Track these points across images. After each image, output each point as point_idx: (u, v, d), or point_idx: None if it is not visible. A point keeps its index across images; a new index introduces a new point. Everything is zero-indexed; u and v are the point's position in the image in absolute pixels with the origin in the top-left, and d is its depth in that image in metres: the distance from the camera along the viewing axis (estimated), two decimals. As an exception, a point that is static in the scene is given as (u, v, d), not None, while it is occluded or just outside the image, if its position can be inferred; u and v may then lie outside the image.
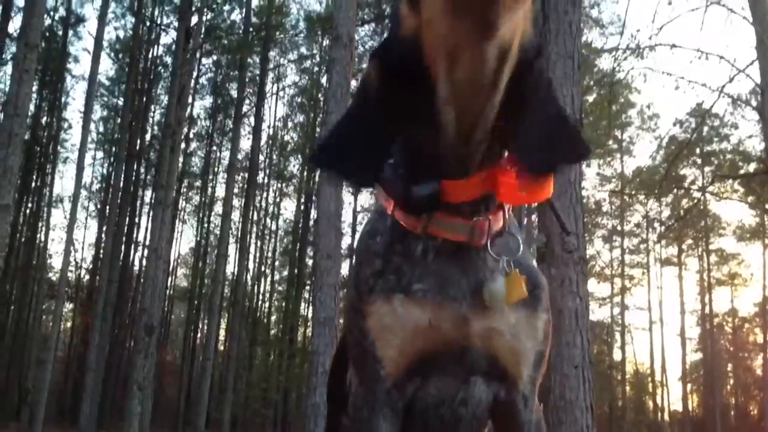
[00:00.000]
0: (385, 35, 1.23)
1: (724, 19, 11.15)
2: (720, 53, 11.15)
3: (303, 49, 27.64)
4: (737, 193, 22.62)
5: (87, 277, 28.54)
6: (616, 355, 36.16)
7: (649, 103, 30.75)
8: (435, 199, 1.19)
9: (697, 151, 26.03)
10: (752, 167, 21.69)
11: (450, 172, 1.18)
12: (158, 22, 24.39)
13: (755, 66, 10.88)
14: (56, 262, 27.97)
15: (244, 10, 22.77)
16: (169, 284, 29.36)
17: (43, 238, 25.67)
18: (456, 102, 1.09)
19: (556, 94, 1.23)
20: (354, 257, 1.39)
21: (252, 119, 24.55)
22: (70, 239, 17.63)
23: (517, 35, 1.04)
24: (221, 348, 28.47)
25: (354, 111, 1.22)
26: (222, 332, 28.57)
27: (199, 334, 31.28)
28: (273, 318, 34.27)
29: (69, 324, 29.99)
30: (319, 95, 26.12)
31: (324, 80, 24.02)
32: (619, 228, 33.76)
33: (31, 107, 20.40)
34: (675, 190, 24.99)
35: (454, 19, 0.97)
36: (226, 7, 23.51)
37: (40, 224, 26.05)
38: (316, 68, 27.53)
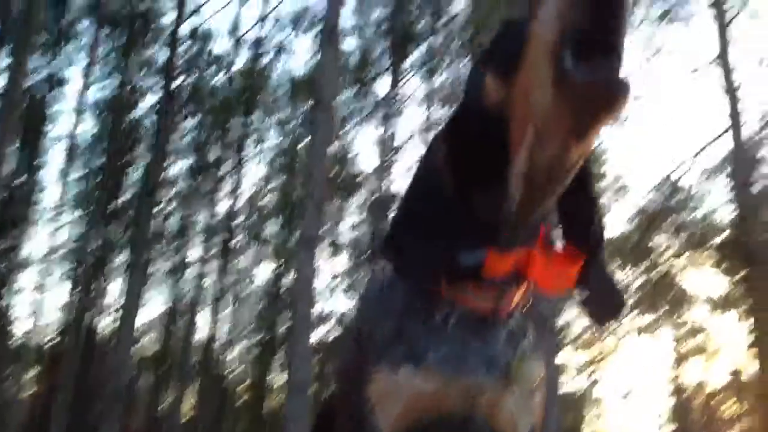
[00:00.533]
0: (453, 114, 1.25)
1: (697, 90, 11.53)
2: (693, 123, 11.51)
3: (284, 112, 27.93)
4: (709, 262, 22.95)
5: (53, 341, 27.83)
6: (589, 425, 35.81)
7: (622, 172, 31.30)
8: (479, 270, 1.17)
9: (669, 219, 26.43)
10: (723, 236, 22.05)
11: (496, 245, 1.17)
12: (141, 83, 24.60)
13: (726, 137, 11.23)
14: (23, 325, 27.23)
15: (227, 73, 23.13)
16: (137, 349, 28.70)
17: (10, 301, 25.09)
18: (529, 179, 1.09)
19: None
20: (359, 315, 1.35)
21: (231, 180, 24.60)
22: (38, 302, 17.30)
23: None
24: (189, 415, 27.71)
25: (418, 193, 1.22)
26: (190, 399, 27.89)
27: (166, 401, 30.43)
28: (244, 385, 33.55)
29: (32, 390, 29.04)
30: (299, 158, 26.26)
31: (305, 142, 24.26)
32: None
33: (8, 167, 20.24)
34: (647, 259, 25.27)
35: (564, 117, 1.00)
36: (210, 70, 23.90)
37: (7, 287, 25.50)
38: (297, 130, 27.76)
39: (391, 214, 1.29)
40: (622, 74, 0.97)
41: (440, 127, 1.25)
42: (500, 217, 1.14)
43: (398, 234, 1.20)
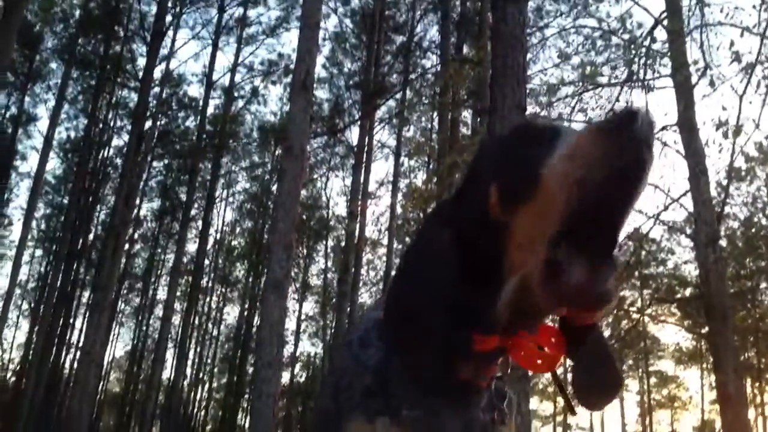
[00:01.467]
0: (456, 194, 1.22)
1: (658, 152, 11.73)
2: (655, 182, 11.69)
3: (255, 158, 28.04)
4: (674, 316, 23.15)
5: (13, 379, 27.25)
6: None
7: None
8: (464, 349, 1.16)
9: (636, 273, 26.69)
10: (688, 292, 22.30)
11: (481, 330, 1.15)
12: (111, 124, 24.58)
13: (688, 196, 11.40)
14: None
15: (198, 117, 23.18)
16: (100, 389, 28.20)
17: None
18: (516, 297, 1.08)
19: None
20: (334, 362, 1.34)
21: (199, 223, 24.50)
22: (-2, 339, 16.95)
23: None
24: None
25: (417, 272, 1.18)
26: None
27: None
28: (208, 428, 33.05)
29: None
30: (269, 203, 26.32)
31: (274, 188, 24.30)
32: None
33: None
34: (615, 311, 25.40)
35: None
36: (181, 114, 23.95)
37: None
38: (267, 176, 27.87)
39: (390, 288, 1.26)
40: (609, 282, 0.97)
41: (436, 211, 1.23)
42: (488, 313, 1.12)
43: (400, 312, 1.18)
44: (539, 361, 1.18)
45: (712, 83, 10.58)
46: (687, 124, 10.88)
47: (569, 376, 1.22)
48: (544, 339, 1.19)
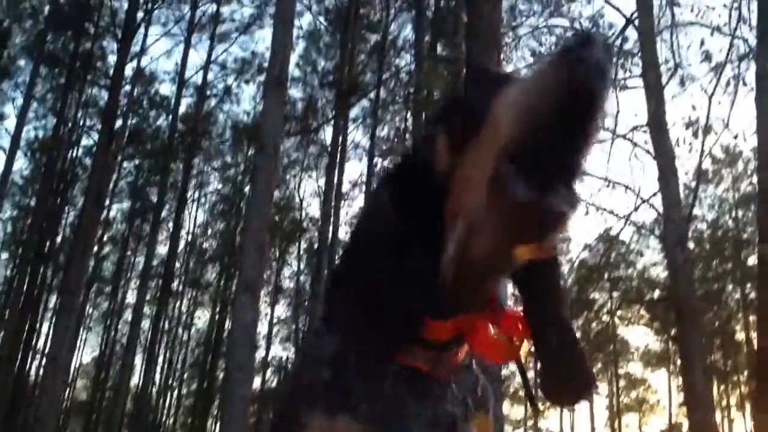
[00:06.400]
0: (400, 159, 1.19)
1: (629, 152, 11.90)
2: (626, 183, 11.81)
3: (228, 158, 27.91)
4: (643, 318, 23.44)
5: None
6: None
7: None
8: (416, 334, 1.11)
9: (606, 275, 26.98)
10: (657, 293, 22.60)
11: (434, 314, 1.10)
12: (81, 123, 24.27)
13: (658, 197, 11.52)
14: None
15: (170, 116, 23.00)
16: (66, 396, 27.77)
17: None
18: (463, 265, 1.02)
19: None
20: (297, 361, 1.31)
21: (170, 225, 24.27)
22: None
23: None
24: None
25: (364, 245, 1.14)
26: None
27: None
28: (179, 433, 32.72)
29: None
30: (241, 203, 26.21)
31: (247, 189, 24.19)
32: (532, 349, 34.28)
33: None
34: (585, 313, 25.65)
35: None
36: (153, 113, 23.74)
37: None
38: (239, 177, 27.75)
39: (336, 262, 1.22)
40: (561, 204, 0.89)
41: (385, 174, 1.19)
42: (438, 287, 1.06)
43: (343, 289, 1.16)
44: (500, 349, 1.14)
45: (682, 83, 10.76)
46: (657, 124, 10.99)
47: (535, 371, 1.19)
48: (510, 326, 1.14)
